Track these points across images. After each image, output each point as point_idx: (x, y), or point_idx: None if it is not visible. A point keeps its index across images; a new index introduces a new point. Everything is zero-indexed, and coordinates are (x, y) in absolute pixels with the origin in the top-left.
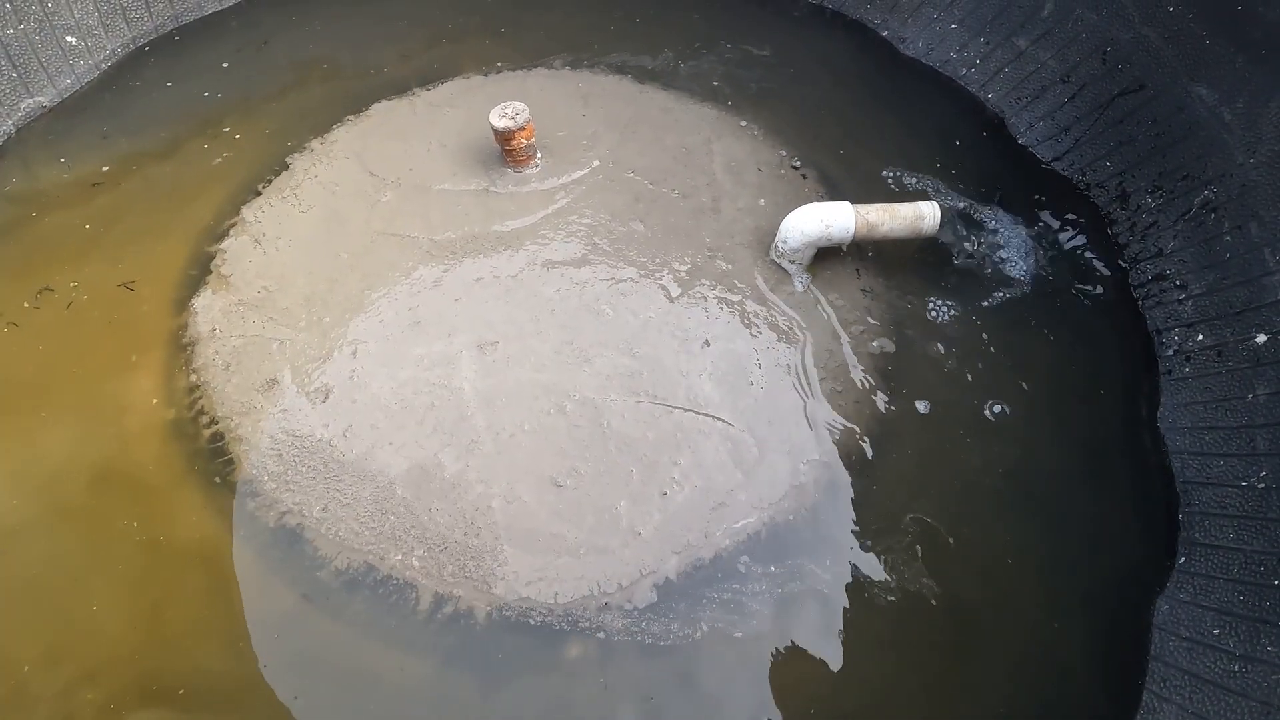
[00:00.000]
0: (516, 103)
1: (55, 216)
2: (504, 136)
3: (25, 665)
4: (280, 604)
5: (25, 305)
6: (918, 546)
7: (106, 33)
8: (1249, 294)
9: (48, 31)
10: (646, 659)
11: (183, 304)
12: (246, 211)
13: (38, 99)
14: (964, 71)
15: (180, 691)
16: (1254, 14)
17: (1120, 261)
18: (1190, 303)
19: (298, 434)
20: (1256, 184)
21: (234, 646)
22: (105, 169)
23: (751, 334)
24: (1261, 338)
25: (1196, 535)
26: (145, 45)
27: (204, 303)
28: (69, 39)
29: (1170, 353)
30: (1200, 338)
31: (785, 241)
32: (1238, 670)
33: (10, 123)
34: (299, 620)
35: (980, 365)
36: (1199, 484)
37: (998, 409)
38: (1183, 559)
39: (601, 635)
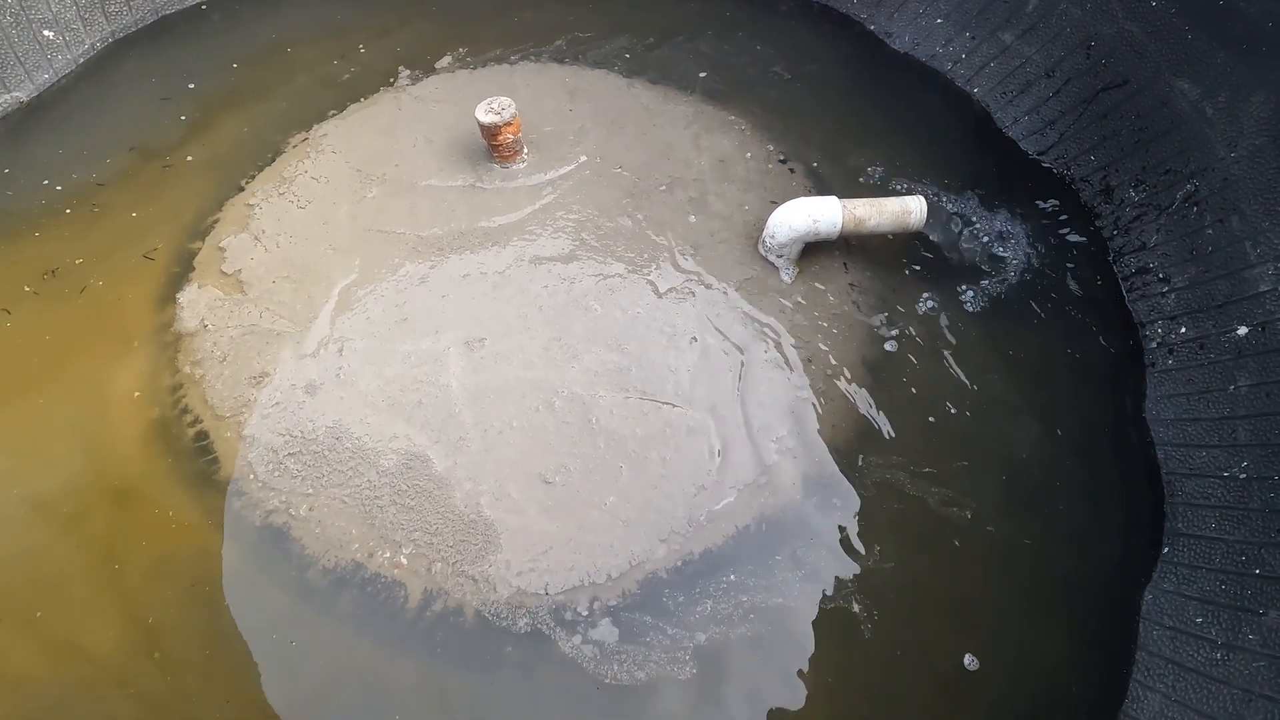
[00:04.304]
0: (503, 97)
1: (35, 214)
2: (490, 131)
3: (13, 668)
4: (268, 604)
5: (26, 288)
6: (902, 540)
7: (85, 26)
8: (1230, 287)
9: (24, 26)
10: (640, 652)
11: (166, 299)
12: (230, 207)
13: (15, 94)
14: (950, 66)
15: (168, 693)
16: (1236, 9)
17: (1105, 255)
18: (1173, 296)
19: (284, 432)
20: (1238, 178)
21: (222, 648)
22: (85, 165)
23: (740, 328)
24: (1243, 330)
25: (1180, 526)
26: (124, 39)
27: (189, 297)
28: (46, 33)
29: (1154, 345)
30: (1183, 330)
31: (773, 236)
32: (1220, 658)
33: None
34: (287, 620)
35: (967, 358)
36: (1182, 475)
37: (984, 402)
38: (1167, 549)
39: (592, 628)
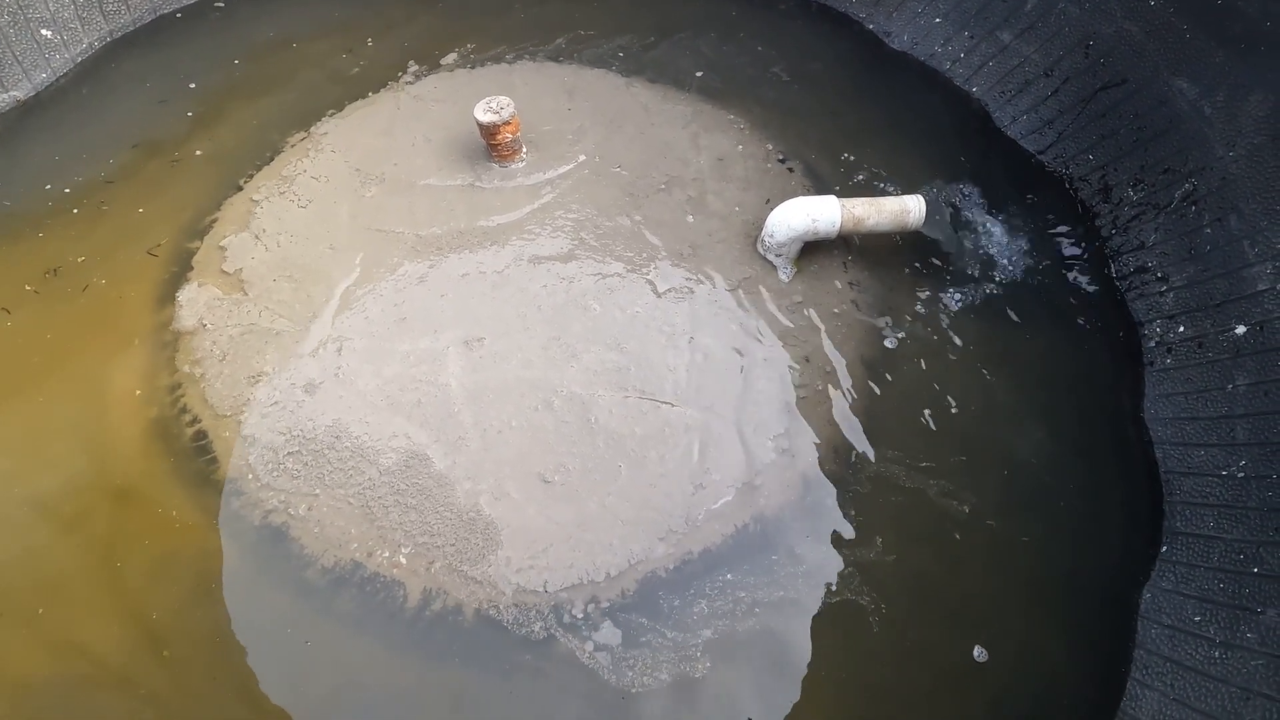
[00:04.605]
0: (502, 97)
1: (38, 214)
2: (489, 131)
3: (15, 668)
4: (268, 603)
5: (27, 288)
6: (902, 537)
7: (83, 26)
8: (1228, 286)
9: (22, 25)
10: (638, 648)
11: (166, 298)
12: (230, 206)
13: (13, 93)
14: (949, 65)
15: (170, 691)
16: (1234, 8)
17: (1103, 254)
18: (1171, 295)
19: (283, 431)
20: (1236, 177)
21: (223, 646)
22: (88, 164)
23: (738, 327)
24: (1241, 329)
25: (1178, 524)
26: (122, 38)
27: (189, 295)
28: (44, 32)
29: (1153, 344)
30: (1181, 329)
31: (772, 235)
32: (1218, 657)
33: None
34: (286, 620)
35: (965, 356)
36: (1180, 474)
37: (983, 401)
38: (1165, 548)
39: (595, 630)
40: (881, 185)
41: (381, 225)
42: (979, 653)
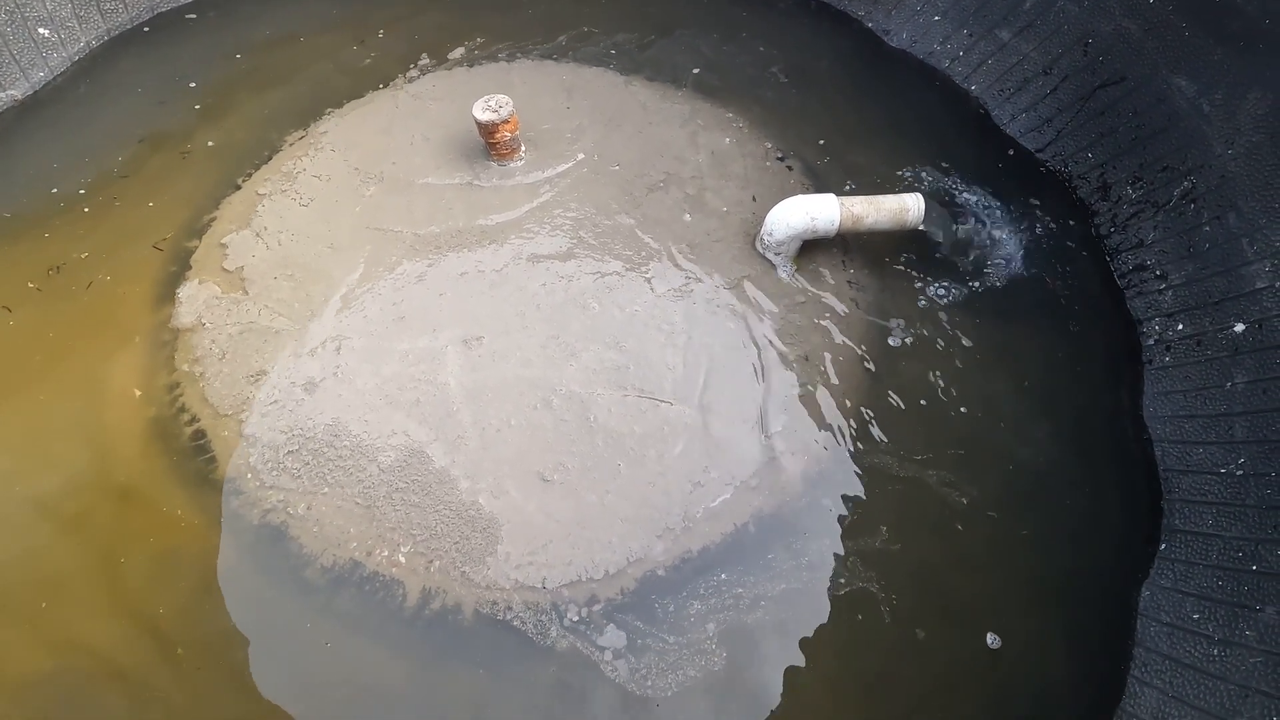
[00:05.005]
0: (500, 95)
1: (41, 212)
2: (488, 129)
3: (16, 667)
4: (268, 603)
5: (30, 285)
6: (899, 541)
7: (80, 24)
8: (1227, 284)
9: (19, 23)
10: (637, 648)
11: (167, 296)
12: (230, 204)
13: (10, 92)
14: (948, 63)
15: (171, 689)
16: (1233, 6)
17: (1102, 252)
18: (1170, 293)
19: (282, 430)
20: (1235, 175)
21: (219, 649)
22: (86, 163)
23: (736, 326)
24: (1239, 327)
25: (1177, 522)
26: (120, 36)
27: (189, 293)
28: (41, 30)
29: (1151, 342)
30: (1180, 327)
31: (771, 234)
32: (1217, 654)
33: None
34: (285, 620)
35: (964, 354)
36: (1179, 472)
37: (982, 399)
38: (1164, 546)
39: (590, 625)
40: (880, 183)
41: (380, 224)
42: (992, 639)
